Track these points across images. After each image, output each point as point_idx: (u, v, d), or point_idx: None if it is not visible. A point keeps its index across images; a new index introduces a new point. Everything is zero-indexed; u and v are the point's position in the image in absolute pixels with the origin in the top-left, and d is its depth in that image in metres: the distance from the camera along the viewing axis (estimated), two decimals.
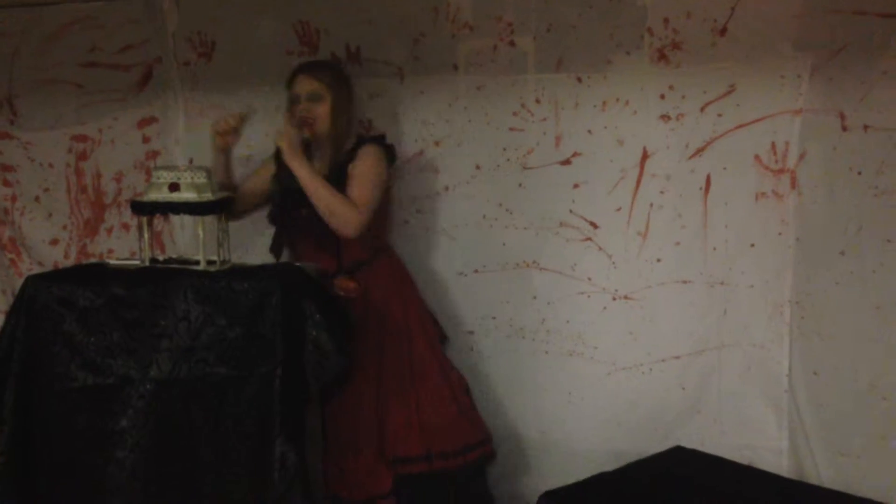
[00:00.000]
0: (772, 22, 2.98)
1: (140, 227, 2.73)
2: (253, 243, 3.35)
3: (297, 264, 2.80)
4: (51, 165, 3.73)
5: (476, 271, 3.41)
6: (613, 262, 3.28)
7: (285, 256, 3.12)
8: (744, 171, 3.11)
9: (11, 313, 2.66)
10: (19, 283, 3.19)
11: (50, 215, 3.77)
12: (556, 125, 3.25)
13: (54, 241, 3.78)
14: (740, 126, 3.08)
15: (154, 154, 3.64)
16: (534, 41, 3.22)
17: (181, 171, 2.66)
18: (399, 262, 3.28)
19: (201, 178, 2.64)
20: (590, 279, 3.30)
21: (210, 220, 2.67)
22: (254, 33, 3.43)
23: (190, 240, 3.60)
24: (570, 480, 2.89)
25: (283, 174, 3.02)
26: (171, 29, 3.52)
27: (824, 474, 3.03)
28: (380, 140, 3.14)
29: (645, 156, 3.19)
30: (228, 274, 2.61)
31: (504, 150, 3.31)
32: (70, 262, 3.72)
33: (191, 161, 3.53)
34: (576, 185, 3.27)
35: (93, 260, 3.66)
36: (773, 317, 3.16)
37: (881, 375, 2.88)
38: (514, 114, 3.28)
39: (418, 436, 3.07)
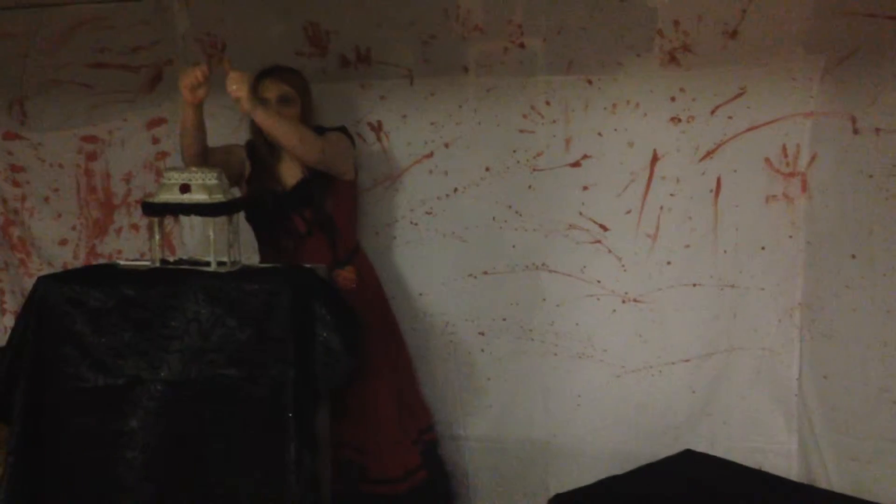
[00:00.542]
0: (783, 25, 2.98)
1: (151, 229, 2.73)
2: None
3: (307, 265, 2.80)
4: (60, 166, 3.73)
5: (485, 273, 3.41)
6: (623, 265, 3.27)
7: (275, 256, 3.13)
8: (754, 174, 3.11)
9: (22, 314, 2.66)
10: (29, 283, 3.20)
11: (59, 216, 3.78)
12: (566, 127, 3.25)
13: (63, 242, 3.79)
14: (751, 129, 3.08)
15: (163, 155, 3.65)
16: (544, 43, 3.22)
17: (192, 173, 2.65)
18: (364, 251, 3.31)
19: (212, 180, 2.64)
20: (599, 282, 3.30)
21: (220, 221, 2.66)
22: (263, 35, 3.43)
23: (199, 241, 3.60)
24: (580, 483, 2.90)
25: (264, 176, 3.06)
26: (181, 30, 3.52)
27: (834, 478, 3.02)
28: (342, 129, 3.14)
29: (655, 158, 3.19)
30: (239, 275, 2.61)
31: (514, 152, 3.31)
32: (79, 263, 3.72)
33: None
34: (585, 188, 3.27)
35: (102, 261, 3.67)
36: (783, 320, 3.16)
37: (891, 379, 2.87)
38: (524, 116, 3.28)
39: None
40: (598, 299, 3.31)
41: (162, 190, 2.66)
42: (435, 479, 3.17)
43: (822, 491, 2.95)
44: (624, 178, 3.23)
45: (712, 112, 3.11)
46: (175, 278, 2.60)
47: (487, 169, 3.34)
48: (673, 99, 3.14)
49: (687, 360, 3.25)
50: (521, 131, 3.30)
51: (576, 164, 3.27)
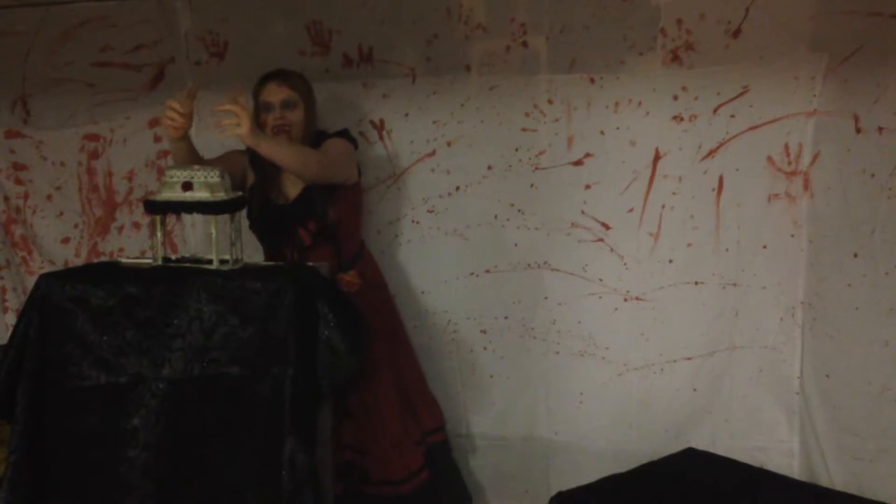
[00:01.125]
0: (786, 23, 2.98)
1: (153, 226, 2.72)
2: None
3: (310, 264, 2.80)
4: (63, 164, 3.74)
5: (487, 271, 3.41)
6: (625, 263, 3.27)
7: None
8: (757, 173, 3.11)
9: (24, 312, 2.65)
10: (31, 281, 3.21)
11: (61, 214, 3.78)
12: (569, 126, 3.25)
13: (66, 240, 3.79)
14: (753, 127, 3.08)
15: (165, 153, 3.65)
16: (547, 42, 3.22)
17: (194, 171, 2.65)
18: (368, 250, 3.30)
19: (214, 178, 2.63)
20: (601, 280, 3.30)
21: (223, 219, 2.66)
22: (266, 33, 3.44)
23: (202, 239, 3.60)
24: (582, 481, 2.89)
25: (266, 185, 3.05)
26: (184, 29, 3.52)
27: (836, 477, 3.02)
28: (344, 133, 3.12)
29: (657, 157, 3.19)
30: (241, 273, 2.61)
31: (516, 150, 3.31)
32: (81, 261, 3.73)
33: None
34: (588, 186, 3.27)
35: (104, 259, 3.67)
36: (786, 319, 3.16)
37: (894, 377, 2.87)
38: (527, 114, 3.28)
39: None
40: (600, 298, 3.31)
41: (164, 188, 2.66)
42: (438, 481, 3.17)
43: (824, 489, 2.95)
44: (626, 177, 3.23)
45: (715, 111, 3.11)
46: (177, 276, 2.60)
47: (490, 167, 3.35)
48: (675, 97, 3.14)
49: (689, 359, 3.25)
50: (524, 130, 3.30)
51: (578, 163, 3.27)
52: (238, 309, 2.52)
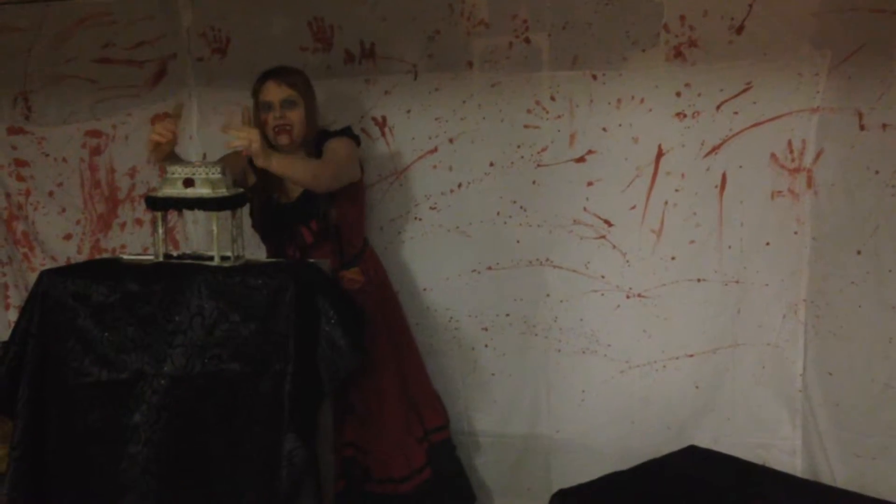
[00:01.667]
0: (790, 20, 2.97)
1: (154, 223, 2.72)
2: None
3: (311, 260, 2.79)
4: (65, 160, 3.73)
5: (489, 268, 3.40)
6: (627, 260, 3.27)
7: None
8: (760, 170, 3.11)
9: (26, 308, 2.65)
10: (32, 277, 3.21)
11: (63, 210, 3.78)
12: (571, 122, 3.25)
13: (68, 236, 3.79)
14: (757, 124, 3.08)
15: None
16: (549, 38, 3.21)
17: (196, 167, 2.65)
18: (372, 247, 3.29)
19: (216, 174, 2.63)
20: (603, 277, 3.30)
21: (224, 215, 2.66)
22: (268, 29, 3.43)
23: (203, 235, 3.60)
24: (584, 478, 2.89)
25: (268, 185, 3.03)
26: (186, 25, 3.52)
27: (839, 474, 3.02)
28: (347, 131, 3.11)
29: (660, 154, 3.18)
30: (242, 270, 2.61)
31: (518, 147, 3.31)
32: (83, 258, 3.72)
33: (204, 156, 3.53)
34: (590, 183, 3.26)
35: (106, 255, 3.67)
36: (788, 316, 3.15)
37: None
38: (529, 111, 3.28)
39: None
40: (603, 295, 3.31)
41: (165, 184, 2.66)
42: (441, 479, 3.16)
43: (827, 487, 2.94)
44: (629, 174, 3.22)
45: (718, 107, 3.10)
46: (179, 273, 2.60)
47: (492, 164, 3.34)
48: (678, 94, 3.13)
49: (691, 356, 3.25)
50: (526, 126, 3.29)
51: (580, 160, 3.26)
52: (239, 305, 2.52)
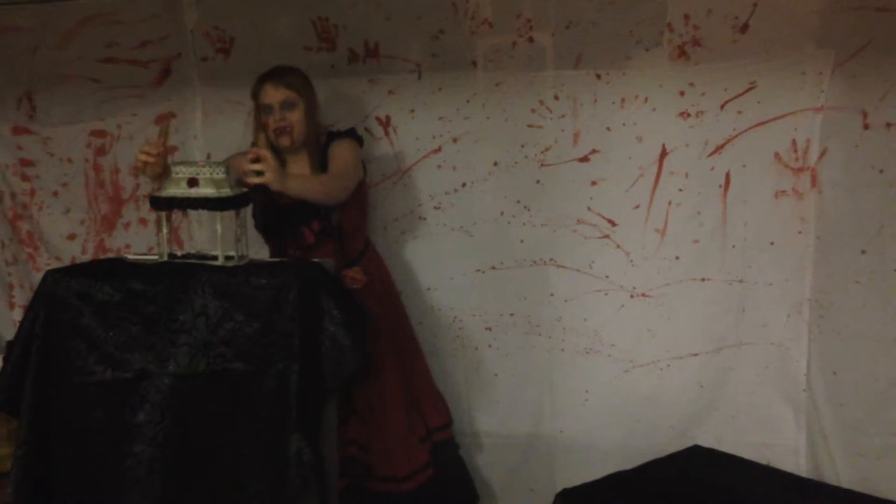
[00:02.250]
0: (794, 19, 2.97)
1: (159, 223, 2.72)
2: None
3: (315, 260, 2.79)
4: (69, 160, 3.74)
5: (493, 268, 3.40)
6: (631, 260, 3.27)
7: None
8: (764, 169, 3.11)
9: (30, 307, 2.65)
10: (37, 277, 3.20)
11: (68, 210, 3.78)
12: (575, 122, 3.25)
13: (72, 236, 3.79)
14: (761, 123, 3.08)
15: (172, 149, 3.64)
16: (553, 37, 3.21)
17: (200, 167, 2.64)
18: (374, 246, 3.29)
19: (220, 174, 2.63)
20: (607, 277, 3.30)
21: (228, 215, 2.66)
22: (272, 29, 3.43)
23: (207, 235, 3.60)
24: (587, 478, 2.90)
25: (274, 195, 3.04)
26: (190, 24, 3.52)
27: (843, 474, 3.02)
28: (351, 132, 3.12)
29: (664, 153, 3.18)
30: (246, 269, 2.60)
31: (522, 146, 3.31)
32: (88, 257, 3.73)
33: (208, 156, 3.54)
34: (594, 183, 3.26)
35: (110, 255, 3.67)
36: (792, 315, 3.15)
37: None
38: (533, 110, 3.28)
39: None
40: (606, 294, 3.31)
41: (170, 184, 2.66)
42: (444, 478, 3.16)
43: (831, 487, 2.95)
44: (632, 173, 3.22)
45: (722, 107, 3.10)
46: (183, 272, 2.60)
47: (496, 164, 3.34)
48: (682, 94, 3.13)
49: (695, 355, 3.24)
50: (530, 126, 3.29)
51: (584, 159, 3.26)
52: (243, 305, 2.52)
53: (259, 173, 2.59)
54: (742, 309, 3.19)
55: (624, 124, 3.20)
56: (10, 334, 3.27)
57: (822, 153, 3.03)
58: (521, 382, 3.43)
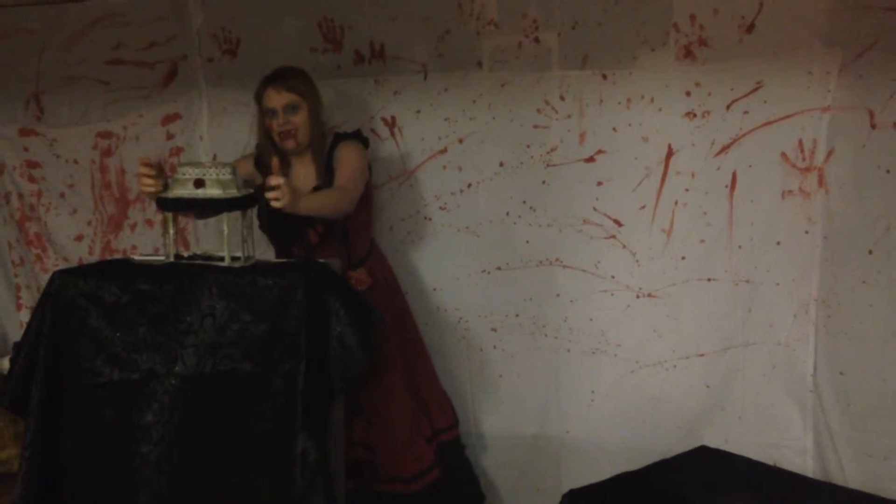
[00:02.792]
0: (800, 18, 2.97)
1: (165, 223, 2.73)
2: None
3: (322, 260, 2.80)
4: (76, 162, 3.75)
5: (499, 268, 3.40)
6: (637, 260, 3.26)
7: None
8: (770, 169, 3.10)
9: (38, 308, 2.66)
10: (45, 278, 3.22)
11: (75, 211, 3.79)
12: (581, 122, 3.24)
13: (79, 237, 3.80)
14: (767, 123, 3.07)
15: (178, 150, 3.65)
16: (559, 38, 3.21)
17: (206, 168, 2.65)
18: (379, 247, 3.30)
19: (226, 175, 2.63)
20: (613, 277, 3.29)
21: (234, 216, 2.66)
22: (278, 30, 3.44)
23: (214, 236, 3.61)
24: (594, 478, 2.89)
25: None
26: (196, 26, 3.53)
27: (850, 475, 3.01)
28: (357, 134, 3.12)
29: (670, 153, 3.18)
30: (253, 270, 2.61)
31: (528, 147, 3.31)
32: (94, 258, 3.73)
33: (214, 157, 3.55)
34: (600, 183, 3.26)
35: (117, 256, 3.68)
36: (799, 315, 3.14)
37: None
38: (538, 111, 3.28)
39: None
40: (613, 294, 3.31)
41: (176, 185, 2.66)
42: (450, 479, 3.16)
43: (838, 487, 2.94)
44: (638, 174, 3.22)
45: (728, 107, 3.10)
46: (189, 273, 2.60)
47: (501, 164, 3.34)
48: (688, 94, 3.13)
49: (701, 355, 3.24)
50: (536, 126, 3.29)
51: (590, 160, 3.26)
52: (250, 305, 2.52)
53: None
54: (749, 309, 3.18)
55: (630, 124, 3.20)
56: (17, 335, 3.27)
57: (829, 153, 3.02)
58: (527, 383, 3.43)
